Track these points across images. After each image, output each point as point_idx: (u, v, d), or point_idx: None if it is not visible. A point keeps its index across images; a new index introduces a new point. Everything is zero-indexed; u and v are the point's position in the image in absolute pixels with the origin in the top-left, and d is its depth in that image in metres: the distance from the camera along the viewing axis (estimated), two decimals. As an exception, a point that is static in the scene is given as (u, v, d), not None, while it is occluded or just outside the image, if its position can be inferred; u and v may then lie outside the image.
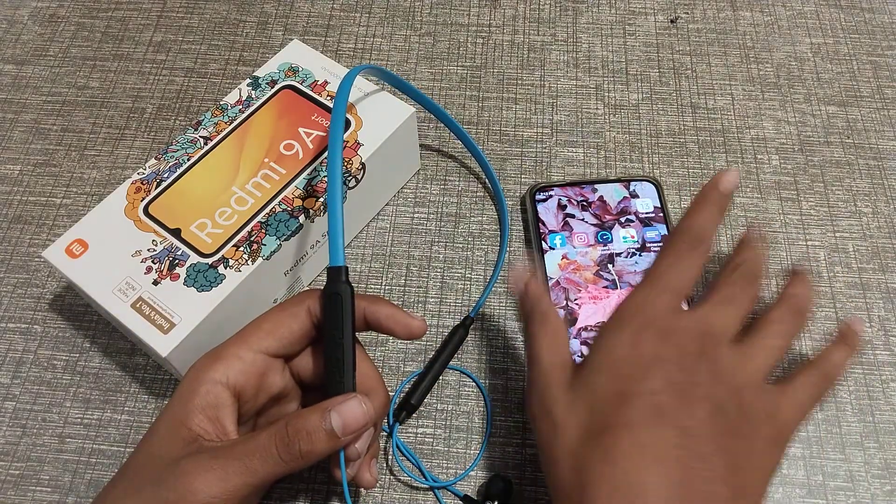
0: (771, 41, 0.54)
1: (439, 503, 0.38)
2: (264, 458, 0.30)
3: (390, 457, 0.39)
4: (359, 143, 0.42)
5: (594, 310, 0.41)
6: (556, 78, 0.52)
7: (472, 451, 0.39)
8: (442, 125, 0.50)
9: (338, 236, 0.33)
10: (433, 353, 0.41)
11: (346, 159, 0.41)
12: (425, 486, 0.38)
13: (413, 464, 0.39)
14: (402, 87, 0.45)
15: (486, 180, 0.48)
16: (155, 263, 0.38)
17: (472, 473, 0.39)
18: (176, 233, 0.39)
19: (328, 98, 0.43)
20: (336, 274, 0.33)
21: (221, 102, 0.43)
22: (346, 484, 0.32)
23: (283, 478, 0.38)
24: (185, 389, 0.31)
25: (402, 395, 0.41)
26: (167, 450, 0.30)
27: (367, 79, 0.45)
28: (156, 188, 0.40)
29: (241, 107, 0.43)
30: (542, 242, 0.43)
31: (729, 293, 0.32)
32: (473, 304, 0.43)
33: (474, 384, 0.41)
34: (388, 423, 0.39)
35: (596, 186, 0.45)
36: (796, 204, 0.47)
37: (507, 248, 0.45)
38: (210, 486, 0.29)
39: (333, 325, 0.33)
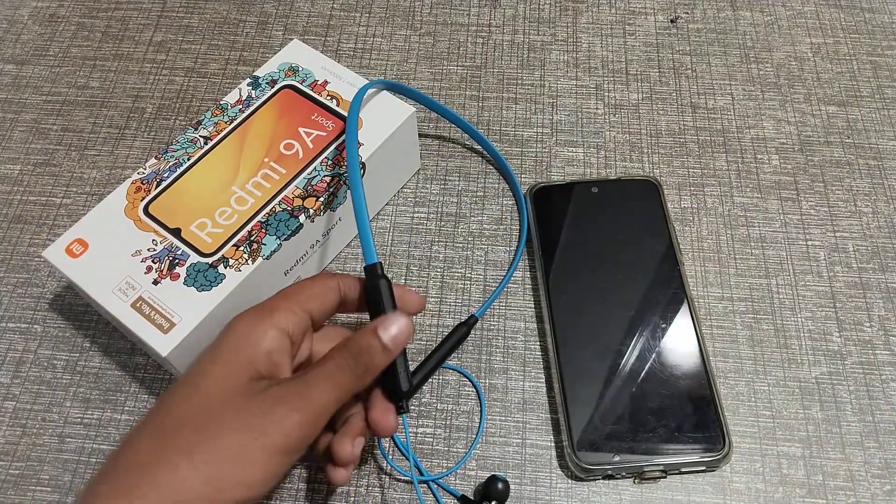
0: (771, 41, 0.54)
1: (436, 499, 0.38)
2: (344, 372, 0.32)
3: (377, 451, 0.39)
4: (359, 143, 0.42)
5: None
6: (556, 78, 0.52)
7: (472, 451, 0.39)
8: (442, 125, 0.50)
9: (368, 238, 0.36)
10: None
11: (346, 159, 0.41)
12: (408, 478, 0.38)
13: (408, 458, 0.39)
14: (413, 96, 0.45)
15: (487, 180, 0.48)
16: (155, 263, 0.38)
17: (472, 473, 0.39)
18: (176, 232, 0.39)
19: (328, 98, 0.43)
20: (372, 270, 0.36)
21: (221, 102, 0.43)
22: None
23: (282, 479, 0.38)
24: (246, 334, 0.32)
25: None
26: (234, 386, 0.30)
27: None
28: (156, 188, 0.40)
29: (241, 106, 0.43)
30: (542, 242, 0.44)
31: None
32: (473, 303, 0.43)
33: (474, 384, 0.41)
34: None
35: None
36: (796, 204, 0.47)
37: (524, 245, 0.45)
38: (311, 403, 0.30)
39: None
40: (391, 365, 0.35)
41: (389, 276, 0.45)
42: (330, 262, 0.45)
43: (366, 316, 0.40)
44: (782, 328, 0.42)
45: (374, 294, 0.35)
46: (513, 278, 0.44)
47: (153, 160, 0.41)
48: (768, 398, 0.40)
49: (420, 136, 0.50)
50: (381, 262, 0.36)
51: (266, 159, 0.41)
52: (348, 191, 0.42)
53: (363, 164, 0.41)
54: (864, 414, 0.40)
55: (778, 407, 0.40)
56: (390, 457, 0.39)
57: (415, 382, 0.40)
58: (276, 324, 0.32)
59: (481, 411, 0.40)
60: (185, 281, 0.37)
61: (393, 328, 0.33)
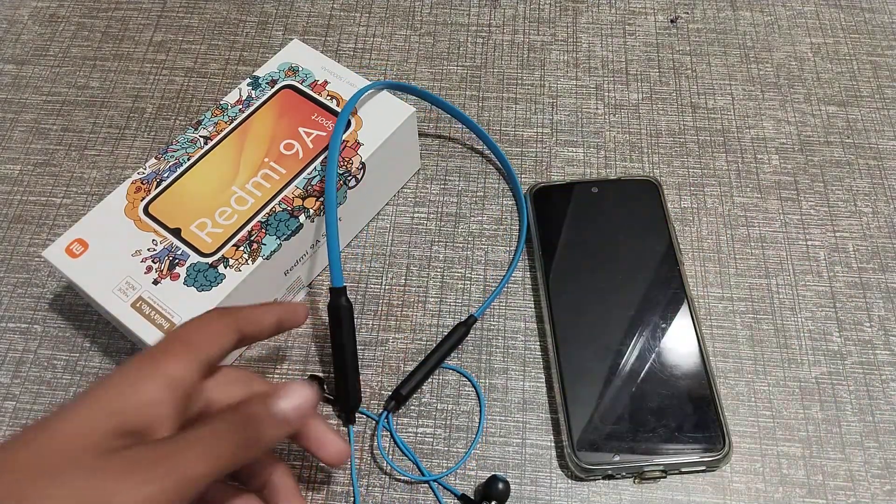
0: (771, 41, 0.54)
1: (436, 499, 0.38)
2: (222, 442, 0.27)
3: (377, 451, 0.39)
4: (359, 143, 0.42)
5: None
6: (556, 78, 0.52)
7: (472, 451, 0.39)
8: (442, 125, 0.50)
9: (337, 261, 0.38)
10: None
11: (347, 159, 0.41)
12: (413, 479, 0.38)
13: (409, 457, 0.39)
14: (418, 94, 0.46)
15: (487, 180, 0.48)
16: (155, 263, 0.38)
17: (472, 473, 0.39)
18: (176, 232, 0.39)
19: (328, 98, 0.43)
20: (336, 293, 0.39)
21: (221, 102, 0.43)
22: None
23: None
24: (124, 379, 0.27)
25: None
26: (87, 438, 0.25)
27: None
28: (156, 188, 0.40)
29: (241, 106, 0.43)
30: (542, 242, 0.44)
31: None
32: (473, 304, 0.43)
33: (474, 384, 0.41)
34: (378, 413, 0.39)
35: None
36: (796, 204, 0.47)
37: (524, 244, 0.45)
38: (174, 472, 0.25)
39: (337, 335, 0.39)
40: (344, 379, 0.38)
41: (390, 275, 0.45)
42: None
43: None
44: (782, 328, 0.42)
45: (334, 313, 0.39)
46: (513, 278, 0.44)
47: (153, 160, 0.41)
48: (768, 398, 0.40)
49: (420, 136, 0.50)
50: (345, 287, 0.39)
51: (266, 159, 0.41)
52: (349, 190, 0.42)
53: (363, 164, 0.41)
54: (864, 414, 0.40)
55: (778, 407, 0.40)
56: (390, 457, 0.39)
57: (413, 383, 0.40)
58: (166, 371, 0.27)
59: (481, 411, 0.40)
60: (185, 281, 0.37)
61: (294, 397, 0.29)
